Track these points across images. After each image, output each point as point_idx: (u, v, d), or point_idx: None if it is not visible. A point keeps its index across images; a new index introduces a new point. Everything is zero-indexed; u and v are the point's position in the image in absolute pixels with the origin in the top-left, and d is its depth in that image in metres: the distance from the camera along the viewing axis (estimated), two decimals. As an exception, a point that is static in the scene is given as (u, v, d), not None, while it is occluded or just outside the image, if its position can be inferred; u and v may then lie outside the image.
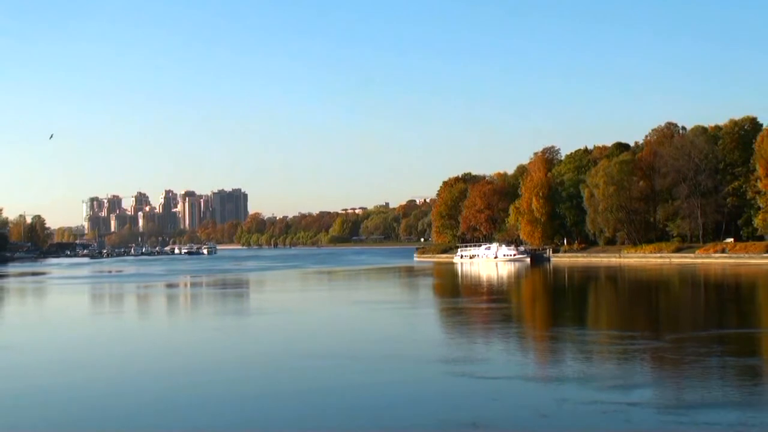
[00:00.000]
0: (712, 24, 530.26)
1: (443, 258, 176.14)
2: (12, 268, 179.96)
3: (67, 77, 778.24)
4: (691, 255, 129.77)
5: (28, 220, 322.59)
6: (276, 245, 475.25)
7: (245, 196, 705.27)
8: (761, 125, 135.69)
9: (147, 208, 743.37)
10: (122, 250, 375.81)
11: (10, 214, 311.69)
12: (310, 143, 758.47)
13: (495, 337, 43.07)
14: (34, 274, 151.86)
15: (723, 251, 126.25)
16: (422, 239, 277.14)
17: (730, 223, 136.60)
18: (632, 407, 23.75)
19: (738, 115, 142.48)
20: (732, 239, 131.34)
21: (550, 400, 25.24)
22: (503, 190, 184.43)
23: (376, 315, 57.66)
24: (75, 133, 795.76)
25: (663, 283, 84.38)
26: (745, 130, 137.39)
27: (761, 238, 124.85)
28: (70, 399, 27.82)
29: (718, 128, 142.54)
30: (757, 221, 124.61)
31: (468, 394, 26.77)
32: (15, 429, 23.33)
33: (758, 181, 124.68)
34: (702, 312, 56.66)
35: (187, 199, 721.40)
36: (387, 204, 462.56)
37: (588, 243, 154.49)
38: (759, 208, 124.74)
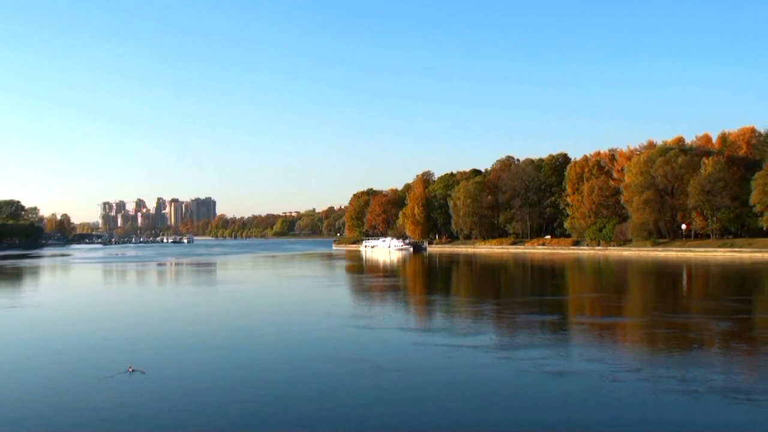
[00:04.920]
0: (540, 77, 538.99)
1: (353, 247, 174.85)
2: (46, 251, 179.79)
3: (87, 107, 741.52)
4: (522, 246, 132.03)
5: (58, 217, 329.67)
6: (236, 237, 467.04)
7: (214, 202, 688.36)
8: (570, 159, 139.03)
9: (144, 210, 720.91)
10: (126, 239, 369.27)
11: (45, 213, 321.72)
12: (261, 164, 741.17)
13: (387, 300, 43.05)
14: (62, 255, 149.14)
15: (543, 244, 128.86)
16: (339, 234, 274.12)
17: (548, 225, 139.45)
18: (467, 347, 23.78)
19: (555, 151, 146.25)
20: (549, 236, 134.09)
21: (408, 343, 25.15)
22: (395, 201, 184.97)
23: (303, 285, 57.14)
24: (93, 154, 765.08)
25: (502, 266, 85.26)
26: (560, 162, 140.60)
27: (569, 236, 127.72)
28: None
29: (541, 160, 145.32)
30: (566, 224, 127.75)
31: (353, 338, 26.59)
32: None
33: (567, 197, 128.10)
34: (528, 284, 57.56)
35: (173, 203, 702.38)
36: (314, 209, 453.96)
37: (452, 238, 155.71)
38: (567, 215, 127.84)
